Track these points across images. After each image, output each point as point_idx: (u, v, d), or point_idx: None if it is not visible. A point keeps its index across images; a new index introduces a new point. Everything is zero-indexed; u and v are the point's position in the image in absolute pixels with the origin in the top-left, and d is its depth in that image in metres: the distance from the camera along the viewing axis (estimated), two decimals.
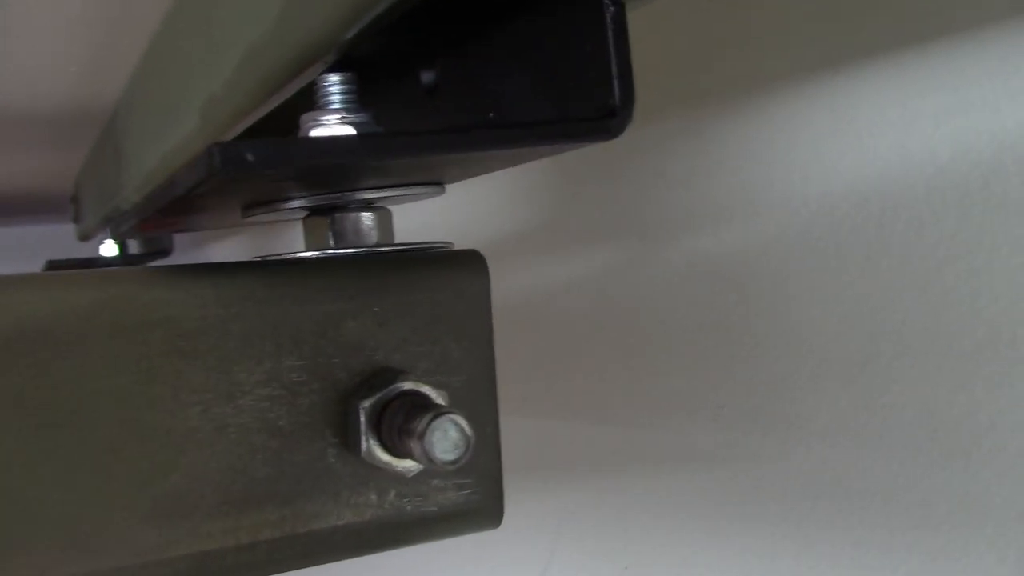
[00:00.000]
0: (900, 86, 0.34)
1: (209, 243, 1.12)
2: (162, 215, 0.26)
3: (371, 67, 0.33)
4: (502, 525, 0.29)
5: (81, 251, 0.91)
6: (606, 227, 0.49)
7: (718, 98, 0.41)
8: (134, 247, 0.81)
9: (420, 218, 0.56)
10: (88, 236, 0.86)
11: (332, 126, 0.27)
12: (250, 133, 0.37)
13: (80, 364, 0.22)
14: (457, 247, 0.29)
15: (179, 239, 0.93)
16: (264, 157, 0.18)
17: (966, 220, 0.32)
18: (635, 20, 0.25)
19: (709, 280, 0.43)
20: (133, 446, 0.23)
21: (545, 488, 0.55)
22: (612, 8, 0.22)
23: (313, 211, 0.28)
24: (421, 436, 0.22)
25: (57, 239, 1.02)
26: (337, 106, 0.28)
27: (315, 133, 0.27)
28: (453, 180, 0.29)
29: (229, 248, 1.07)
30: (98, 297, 0.22)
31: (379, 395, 0.24)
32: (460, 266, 0.27)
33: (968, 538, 0.33)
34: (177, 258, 0.98)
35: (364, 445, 0.24)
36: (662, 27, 0.43)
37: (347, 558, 0.25)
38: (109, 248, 0.78)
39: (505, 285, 0.55)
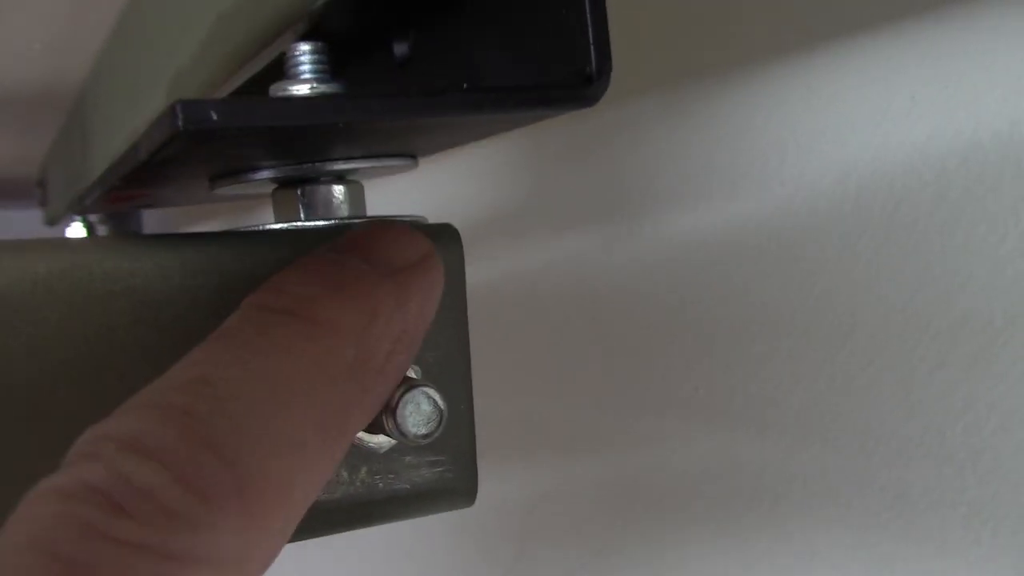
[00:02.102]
0: (877, 61, 0.34)
1: (180, 227, 1.11)
2: (126, 185, 0.25)
3: (343, 40, 0.32)
4: (475, 504, 0.29)
5: (47, 235, 0.89)
6: (581, 208, 0.49)
7: (694, 76, 0.41)
8: (102, 231, 0.80)
9: (391, 200, 0.55)
10: (55, 220, 0.85)
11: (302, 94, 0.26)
12: None
13: (38, 336, 0.21)
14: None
15: (149, 223, 0.92)
16: (229, 115, 0.17)
17: (944, 197, 0.32)
18: None
19: (685, 261, 0.42)
20: (95, 420, 0.22)
21: (517, 470, 0.55)
22: None
23: (282, 184, 0.28)
24: (393, 410, 0.21)
25: (23, 224, 1.00)
26: (307, 76, 0.27)
27: None
28: (426, 153, 0.28)
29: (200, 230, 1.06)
30: (56, 266, 0.21)
31: None
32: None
33: (943, 518, 0.33)
34: None
35: None
36: (637, 4, 0.42)
37: (317, 536, 0.25)
38: (76, 231, 0.77)
39: (478, 267, 0.55)
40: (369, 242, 0.23)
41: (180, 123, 0.17)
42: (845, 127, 0.35)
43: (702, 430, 0.42)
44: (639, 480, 0.46)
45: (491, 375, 0.54)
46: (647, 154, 0.44)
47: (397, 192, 0.59)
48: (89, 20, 0.49)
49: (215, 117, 0.17)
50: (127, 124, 0.50)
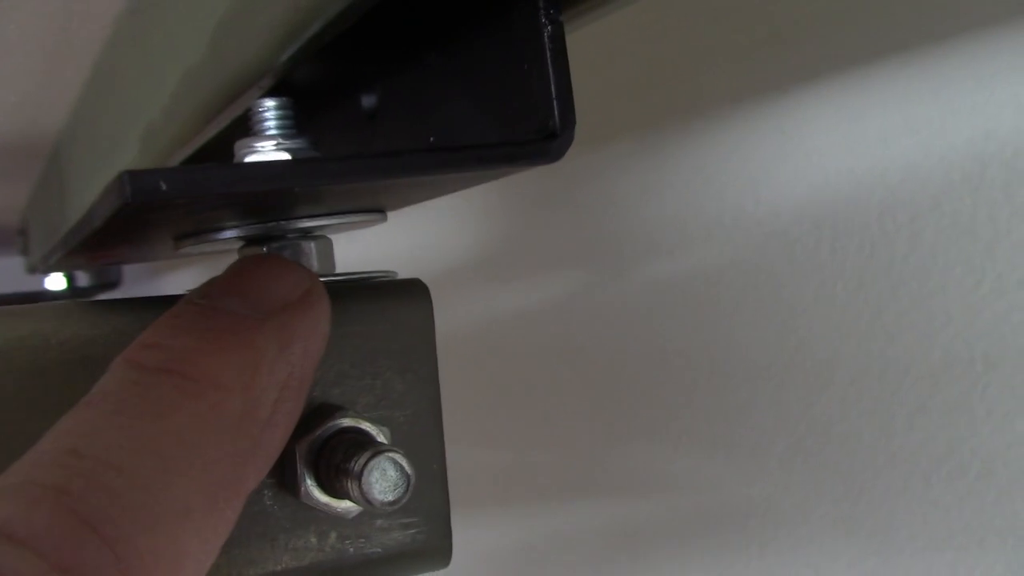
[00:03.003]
0: (848, 107, 0.34)
1: (163, 273, 1.10)
2: (88, 248, 0.24)
3: (311, 93, 0.32)
4: (458, 560, 0.28)
5: (28, 284, 0.89)
6: (559, 254, 0.48)
7: (669, 121, 0.41)
8: (83, 279, 0.79)
9: (364, 248, 0.55)
10: (37, 268, 0.84)
11: (267, 152, 0.26)
12: (191, 162, 0.36)
13: None
14: (401, 276, 0.28)
15: (130, 269, 0.91)
16: (180, 185, 0.17)
17: (918, 241, 0.32)
18: (582, 43, 0.24)
19: (665, 306, 0.42)
20: None
21: (504, 520, 0.54)
22: (550, 27, 0.21)
23: (248, 241, 0.27)
24: (359, 476, 0.21)
25: (4, 271, 0.99)
26: (273, 132, 0.27)
27: (249, 160, 0.26)
28: (394, 208, 0.28)
29: (184, 278, 1.06)
30: (11, 335, 0.21)
31: (316, 434, 0.23)
32: (402, 296, 0.26)
33: (930, 563, 0.32)
34: (127, 289, 0.96)
35: (302, 487, 0.23)
36: (610, 50, 0.42)
37: None
38: (55, 281, 0.76)
39: (458, 315, 0.54)
40: (243, 282, 0.22)
41: (128, 194, 0.17)
42: (818, 171, 0.35)
43: (687, 478, 0.42)
44: (625, 527, 0.46)
45: (475, 423, 0.53)
46: (624, 199, 0.43)
47: (368, 244, 0.59)
48: (63, 75, 0.49)
49: (164, 187, 0.17)
50: (102, 175, 0.50)
